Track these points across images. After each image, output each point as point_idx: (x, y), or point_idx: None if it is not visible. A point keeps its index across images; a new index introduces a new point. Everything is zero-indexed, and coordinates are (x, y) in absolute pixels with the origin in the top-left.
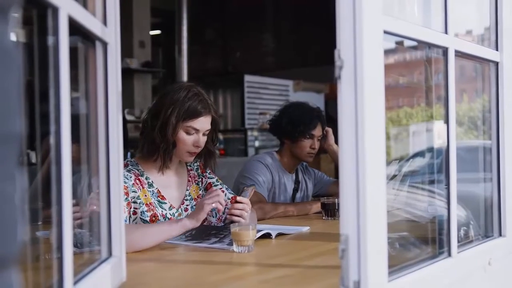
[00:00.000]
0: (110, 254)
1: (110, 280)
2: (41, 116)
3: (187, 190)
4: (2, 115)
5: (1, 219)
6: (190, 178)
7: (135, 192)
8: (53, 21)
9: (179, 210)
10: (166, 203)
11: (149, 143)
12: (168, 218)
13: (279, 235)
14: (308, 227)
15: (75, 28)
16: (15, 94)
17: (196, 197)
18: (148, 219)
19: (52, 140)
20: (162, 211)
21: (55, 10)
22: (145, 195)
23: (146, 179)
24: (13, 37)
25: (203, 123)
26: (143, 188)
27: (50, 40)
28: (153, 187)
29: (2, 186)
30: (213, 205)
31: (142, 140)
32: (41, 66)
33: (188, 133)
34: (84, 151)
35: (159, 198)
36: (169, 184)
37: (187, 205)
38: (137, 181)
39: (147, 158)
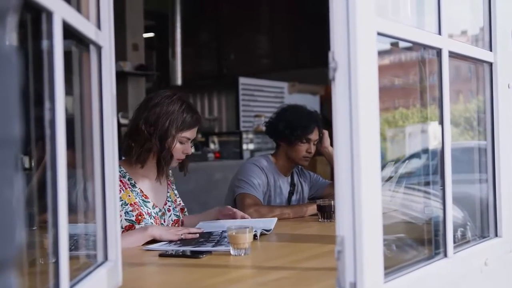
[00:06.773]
0: (106, 258)
1: (106, 284)
2: (35, 120)
3: (168, 192)
4: (1, 119)
5: None
6: (169, 183)
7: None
8: (47, 25)
9: (162, 210)
10: (149, 201)
11: (145, 151)
12: (153, 216)
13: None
14: (275, 218)
15: (69, 32)
16: (13, 98)
17: (173, 200)
18: (134, 218)
19: (47, 144)
20: (147, 210)
21: (49, 14)
22: (129, 196)
23: (128, 180)
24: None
25: (195, 132)
26: (126, 189)
27: (44, 44)
28: (136, 187)
29: (1, 190)
30: (182, 236)
31: (136, 148)
32: (34, 70)
33: (181, 142)
34: (78, 156)
35: (143, 198)
36: (151, 186)
37: (169, 206)
38: (119, 182)
39: (134, 162)
